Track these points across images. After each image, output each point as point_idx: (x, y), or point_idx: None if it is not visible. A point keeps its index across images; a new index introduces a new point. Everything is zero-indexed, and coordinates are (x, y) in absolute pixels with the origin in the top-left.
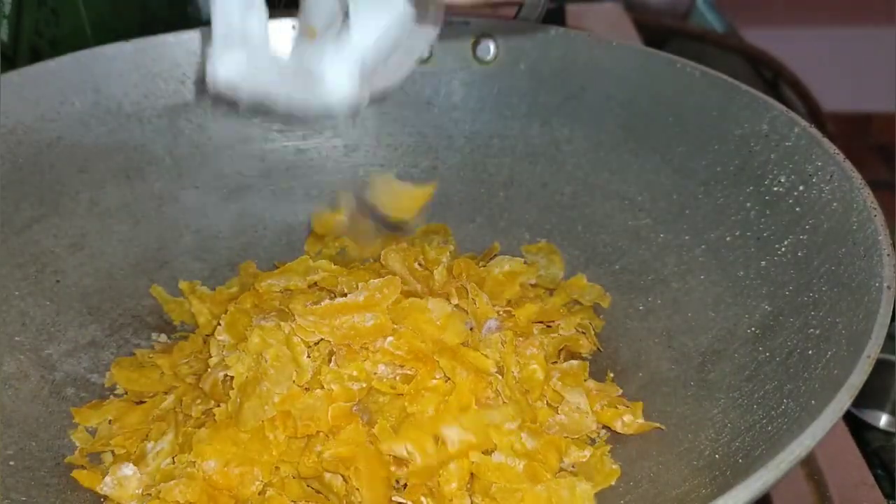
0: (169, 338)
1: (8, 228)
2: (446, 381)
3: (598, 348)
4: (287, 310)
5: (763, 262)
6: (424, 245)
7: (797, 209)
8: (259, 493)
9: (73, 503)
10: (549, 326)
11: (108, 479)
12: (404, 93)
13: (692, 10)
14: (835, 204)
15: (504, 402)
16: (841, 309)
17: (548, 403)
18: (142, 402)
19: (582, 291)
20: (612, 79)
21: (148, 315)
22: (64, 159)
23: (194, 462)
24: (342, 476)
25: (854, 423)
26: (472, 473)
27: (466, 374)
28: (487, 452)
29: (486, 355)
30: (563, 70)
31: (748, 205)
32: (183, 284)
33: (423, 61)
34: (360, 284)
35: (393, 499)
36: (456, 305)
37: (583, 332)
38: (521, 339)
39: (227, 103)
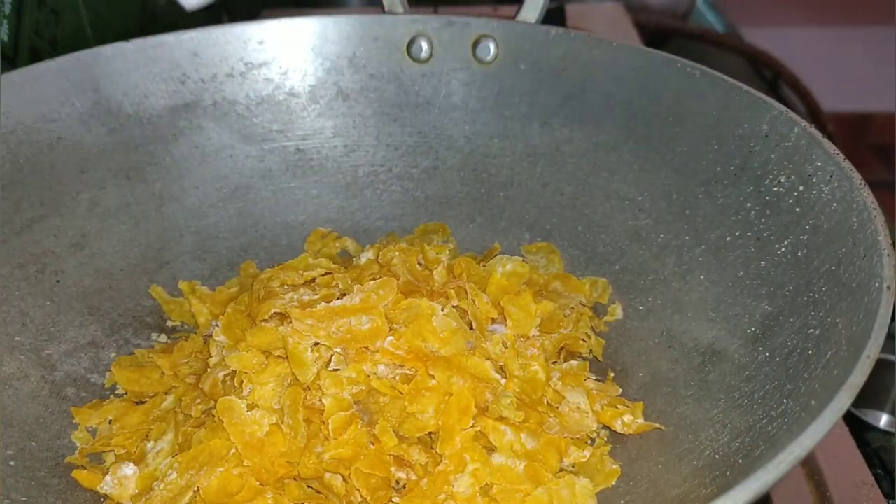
0: (169, 338)
1: (8, 228)
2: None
3: (598, 357)
4: (285, 312)
5: (763, 262)
6: (424, 245)
7: (797, 209)
8: (259, 495)
9: (73, 503)
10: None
11: (108, 478)
12: (404, 93)
13: (692, 10)
14: (835, 204)
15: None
16: (841, 309)
17: (548, 403)
18: (142, 402)
19: (581, 291)
20: (612, 79)
21: (148, 315)
22: (64, 159)
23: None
24: (342, 476)
25: (854, 423)
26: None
27: (464, 383)
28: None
29: (487, 357)
30: (563, 70)
31: (748, 205)
32: (183, 284)
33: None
34: (356, 286)
35: (392, 500)
36: (455, 306)
37: (586, 338)
38: (521, 339)
39: None
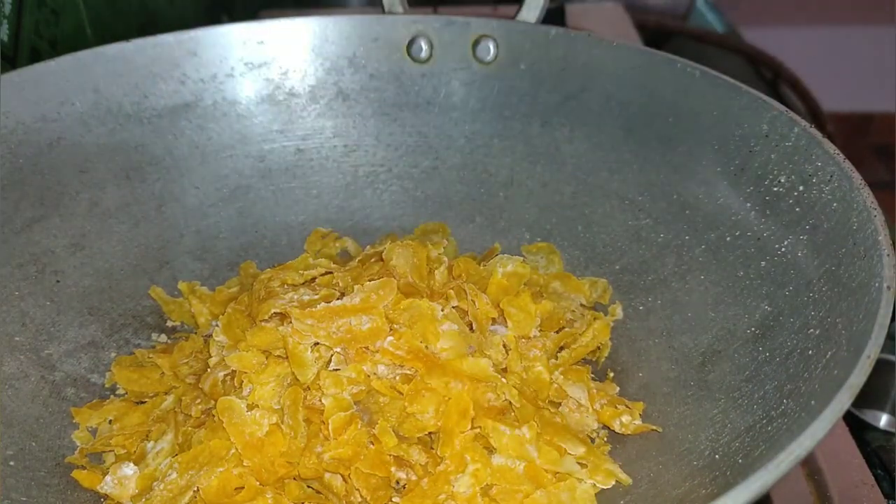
0: (169, 338)
1: (8, 228)
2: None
3: (599, 362)
4: (285, 312)
5: (763, 262)
6: (427, 244)
7: (797, 209)
8: (259, 495)
9: (74, 503)
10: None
11: (108, 478)
12: (404, 93)
13: (692, 10)
14: (835, 204)
15: (507, 401)
16: (841, 309)
17: (549, 401)
18: (142, 402)
19: (581, 292)
20: (612, 79)
21: (148, 315)
22: (64, 159)
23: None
24: (342, 476)
25: (854, 423)
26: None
27: (462, 386)
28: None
29: (487, 356)
30: (563, 70)
31: (748, 205)
32: (182, 285)
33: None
34: (356, 286)
35: (392, 499)
36: (455, 307)
37: (601, 347)
38: (523, 340)
39: None
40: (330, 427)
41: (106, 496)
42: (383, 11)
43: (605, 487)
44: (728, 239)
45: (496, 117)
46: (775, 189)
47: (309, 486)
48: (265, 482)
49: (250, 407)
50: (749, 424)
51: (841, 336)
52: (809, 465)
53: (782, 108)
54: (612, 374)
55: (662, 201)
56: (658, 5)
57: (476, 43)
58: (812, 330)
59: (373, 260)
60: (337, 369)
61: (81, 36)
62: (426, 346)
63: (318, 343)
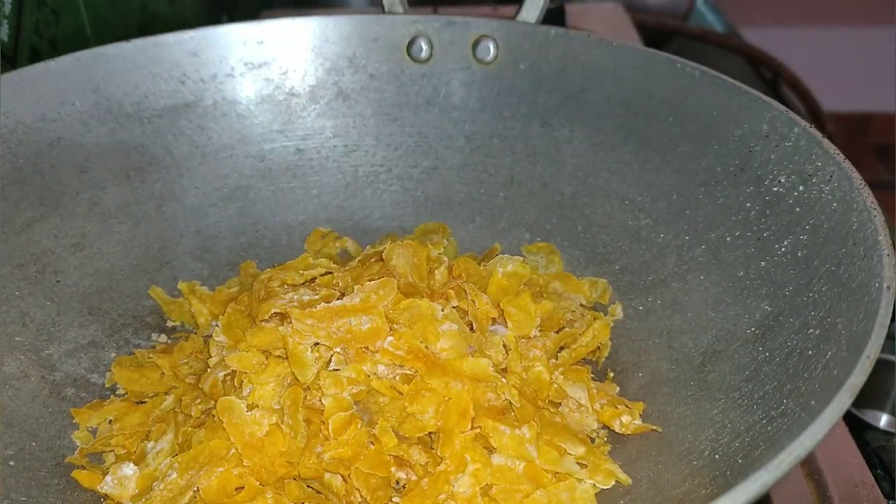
0: (169, 338)
1: (8, 228)
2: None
3: (599, 362)
4: (285, 312)
5: (763, 262)
6: (427, 244)
7: (797, 209)
8: (259, 495)
9: (73, 503)
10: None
11: (108, 478)
12: (404, 93)
13: (692, 10)
14: (835, 204)
15: (507, 401)
16: (841, 309)
17: (549, 401)
18: (142, 402)
19: (581, 292)
20: (612, 79)
21: (148, 315)
22: (64, 159)
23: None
24: (342, 476)
25: (854, 423)
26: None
27: (462, 386)
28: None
29: (487, 356)
30: (563, 70)
31: (748, 205)
32: (182, 285)
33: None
34: (356, 287)
35: (392, 499)
36: (455, 307)
37: (601, 347)
38: (523, 340)
39: None
40: (330, 427)
41: (106, 496)
42: (383, 11)
43: (605, 487)
44: (728, 239)
45: (496, 117)
46: (775, 189)
47: (309, 486)
48: (265, 482)
49: (250, 407)
50: (749, 424)
51: (841, 336)
52: (809, 465)
53: (782, 108)
54: (612, 374)
55: (662, 201)
56: (658, 5)
57: (476, 43)
58: (812, 330)
59: (373, 260)
60: (337, 369)
61: (81, 36)
62: (426, 346)
63: (318, 343)
